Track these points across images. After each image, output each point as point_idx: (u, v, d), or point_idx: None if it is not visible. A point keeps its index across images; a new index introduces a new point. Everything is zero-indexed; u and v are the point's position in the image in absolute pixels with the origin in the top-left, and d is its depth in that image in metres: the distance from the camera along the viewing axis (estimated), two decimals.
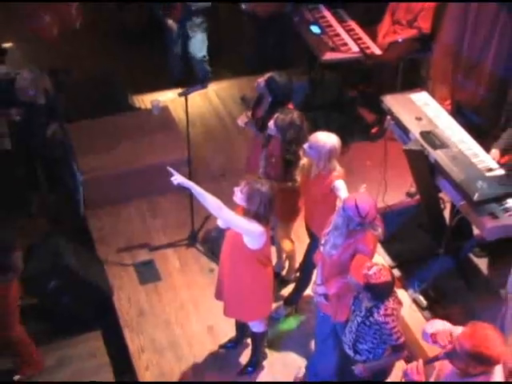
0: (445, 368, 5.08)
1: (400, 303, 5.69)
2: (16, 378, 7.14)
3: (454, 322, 5.39)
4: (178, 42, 10.30)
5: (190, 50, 10.39)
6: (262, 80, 7.48)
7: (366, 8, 10.30)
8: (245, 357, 7.09)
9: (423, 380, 5.05)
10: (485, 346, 4.61)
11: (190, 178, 7.74)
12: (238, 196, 5.92)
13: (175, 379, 7.01)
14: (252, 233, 5.91)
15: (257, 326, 6.74)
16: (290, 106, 7.35)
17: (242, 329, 7.02)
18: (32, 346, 7.19)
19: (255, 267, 6.22)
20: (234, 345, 7.18)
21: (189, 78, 10.37)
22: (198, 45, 10.32)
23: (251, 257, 6.14)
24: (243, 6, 10.31)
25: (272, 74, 7.42)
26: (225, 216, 5.97)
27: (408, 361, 5.98)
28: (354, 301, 5.74)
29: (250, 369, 7.06)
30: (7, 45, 9.86)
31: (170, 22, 10.18)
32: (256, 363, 7.07)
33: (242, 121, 7.74)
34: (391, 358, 5.71)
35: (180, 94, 7.71)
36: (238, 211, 6.02)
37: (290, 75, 7.51)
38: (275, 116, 6.92)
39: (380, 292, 5.39)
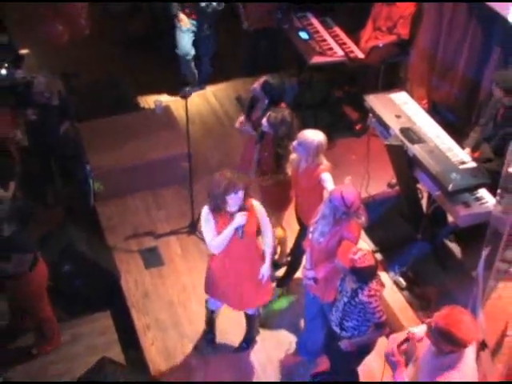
0: (424, 347, 5.10)
1: (382, 285, 5.71)
2: (34, 351, 7.18)
3: (431, 301, 5.44)
4: (190, 42, 10.08)
5: (199, 51, 10.23)
6: (257, 85, 7.46)
7: (349, 15, 10.29)
8: (240, 334, 7.08)
9: (402, 361, 5.07)
10: (457, 327, 4.61)
11: (190, 171, 7.80)
12: None
13: (178, 354, 7.01)
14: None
15: (254, 309, 6.77)
16: (283, 104, 7.35)
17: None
18: (56, 325, 7.25)
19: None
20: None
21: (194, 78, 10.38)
22: (208, 46, 10.21)
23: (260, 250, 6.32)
24: (244, 26, 10.28)
25: (266, 78, 7.41)
26: (218, 241, 6.03)
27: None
28: (340, 282, 5.74)
29: (244, 345, 7.07)
30: (24, 51, 9.83)
31: (186, 20, 9.93)
32: (250, 340, 7.08)
33: (239, 124, 7.74)
34: (374, 335, 5.71)
35: (181, 95, 7.70)
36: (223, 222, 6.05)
37: (281, 76, 7.52)
38: (268, 114, 6.93)
39: (364, 275, 5.41)
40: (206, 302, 6.80)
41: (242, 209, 6.02)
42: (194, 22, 9.93)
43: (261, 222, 6.21)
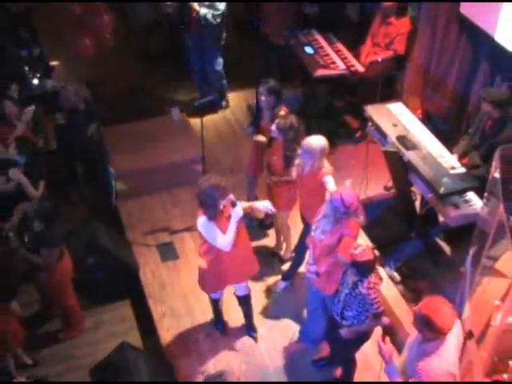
0: (413, 335, 5.20)
1: (381, 279, 5.73)
2: (60, 336, 7.24)
3: (422, 294, 5.44)
4: (196, 56, 10.00)
5: (205, 65, 10.10)
6: (265, 94, 7.40)
7: (351, 32, 10.30)
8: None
9: (393, 350, 5.12)
10: (436, 315, 4.70)
11: (203, 173, 7.82)
12: None
13: (190, 340, 7.04)
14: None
15: (244, 289, 6.77)
16: (284, 108, 7.39)
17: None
18: (80, 313, 7.31)
19: None
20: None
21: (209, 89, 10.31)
22: (212, 60, 9.98)
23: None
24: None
25: (269, 84, 7.39)
26: (228, 239, 6.04)
27: (384, 328, 6.02)
28: (342, 276, 5.76)
29: (252, 333, 7.08)
30: (54, 63, 9.87)
31: (187, 37, 9.93)
32: (253, 327, 7.08)
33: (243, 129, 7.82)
34: (372, 324, 5.73)
35: (194, 105, 7.75)
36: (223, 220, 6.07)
37: (279, 83, 7.53)
38: (276, 121, 6.95)
39: (364, 268, 5.43)
40: (208, 293, 6.85)
41: (233, 204, 6.06)
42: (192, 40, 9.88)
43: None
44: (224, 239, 6.03)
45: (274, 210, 6.43)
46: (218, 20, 9.42)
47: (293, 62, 10.10)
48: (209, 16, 9.25)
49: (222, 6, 9.33)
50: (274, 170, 7.18)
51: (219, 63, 9.99)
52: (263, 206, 6.41)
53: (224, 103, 10.48)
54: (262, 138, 7.53)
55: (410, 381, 4.93)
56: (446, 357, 4.81)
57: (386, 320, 5.66)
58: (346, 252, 5.44)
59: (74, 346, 7.19)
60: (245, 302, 6.89)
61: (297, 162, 6.80)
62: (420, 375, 4.80)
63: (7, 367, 6.54)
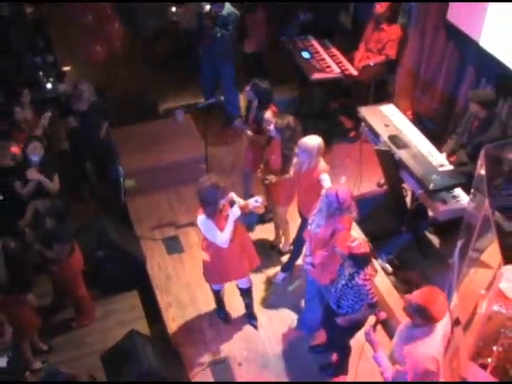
0: (402, 322, 5.25)
1: (376, 270, 5.75)
2: (73, 324, 7.28)
3: (413, 285, 5.46)
4: (207, 64, 9.75)
5: (220, 79, 9.85)
6: (248, 88, 7.55)
7: (345, 38, 10.32)
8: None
9: (380, 340, 5.16)
10: (432, 304, 4.73)
11: (206, 171, 7.84)
12: None
13: (195, 328, 7.05)
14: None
15: (247, 282, 6.79)
16: (273, 107, 7.42)
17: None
18: (91, 302, 7.34)
19: None
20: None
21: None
22: (224, 74, 9.75)
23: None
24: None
25: (255, 80, 7.50)
26: (225, 236, 6.04)
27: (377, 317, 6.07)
28: (339, 268, 5.76)
29: (252, 321, 7.10)
30: (66, 68, 9.88)
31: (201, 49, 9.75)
32: (253, 315, 7.09)
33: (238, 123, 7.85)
34: (366, 313, 5.76)
35: (198, 106, 7.77)
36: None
37: (269, 83, 7.57)
38: (274, 121, 6.98)
39: (360, 260, 5.44)
40: (210, 284, 6.87)
41: (231, 203, 6.10)
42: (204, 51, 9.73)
43: None
44: (221, 236, 6.03)
45: (260, 200, 6.31)
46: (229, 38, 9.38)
47: (290, 66, 10.10)
48: (219, 34, 9.20)
49: (230, 26, 9.22)
50: (272, 168, 7.20)
51: (231, 72, 9.86)
52: (253, 201, 6.29)
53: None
54: (248, 133, 7.63)
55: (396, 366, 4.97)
56: (432, 343, 4.83)
57: (383, 315, 5.67)
58: (344, 245, 5.46)
59: (86, 333, 7.22)
60: (247, 293, 6.93)
61: (294, 160, 6.82)
62: (405, 358, 4.83)
63: (24, 353, 6.58)
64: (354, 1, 10.38)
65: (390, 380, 5.04)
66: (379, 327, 5.36)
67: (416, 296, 4.84)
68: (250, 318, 7.13)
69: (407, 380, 4.85)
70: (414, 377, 4.80)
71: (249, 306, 7.07)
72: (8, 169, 7.55)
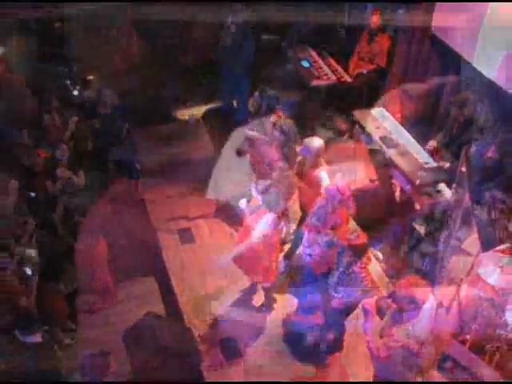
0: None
1: (369, 259, 5.81)
2: (97, 306, 7.29)
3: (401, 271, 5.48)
4: (228, 73, 9.67)
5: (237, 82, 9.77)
6: (256, 93, 7.53)
7: (340, 48, 10.36)
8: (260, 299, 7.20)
9: (373, 311, 5.21)
10: (414, 291, 4.82)
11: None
12: None
13: (206, 312, 7.06)
14: None
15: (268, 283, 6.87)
16: (279, 112, 7.38)
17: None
18: (114, 288, 7.37)
19: None
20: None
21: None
22: (244, 90, 9.56)
23: None
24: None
25: (262, 86, 7.51)
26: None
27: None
28: (338, 256, 5.78)
29: (264, 308, 7.07)
30: (90, 77, 9.91)
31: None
32: (268, 305, 7.08)
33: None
34: (360, 297, 5.81)
35: (208, 111, 7.81)
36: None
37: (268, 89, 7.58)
38: (276, 123, 7.02)
39: (359, 250, 5.50)
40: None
41: None
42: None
43: None
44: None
45: None
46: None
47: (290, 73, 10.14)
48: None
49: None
50: (273, 167, 7.21)
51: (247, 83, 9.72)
52: None
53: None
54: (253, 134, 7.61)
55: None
56: (418, 325, 4.89)
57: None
58: (343, 236, 5.49)
59: (108, 315, 7.22)
60: (265, 291, 7.02)
61: (297, 159, 6.87)
62: (394, 338, 4.89)
63: (56, 334, 6.65)
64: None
65: (374, 352, 5.10)
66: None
67: (399, 287, 4.91)
68: (263, 305, 7.11)
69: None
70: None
71: (266, 297, 7.09)
72: (39, 170, 7.62)
